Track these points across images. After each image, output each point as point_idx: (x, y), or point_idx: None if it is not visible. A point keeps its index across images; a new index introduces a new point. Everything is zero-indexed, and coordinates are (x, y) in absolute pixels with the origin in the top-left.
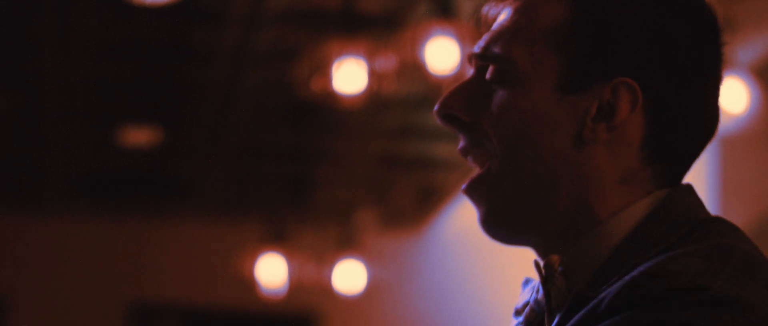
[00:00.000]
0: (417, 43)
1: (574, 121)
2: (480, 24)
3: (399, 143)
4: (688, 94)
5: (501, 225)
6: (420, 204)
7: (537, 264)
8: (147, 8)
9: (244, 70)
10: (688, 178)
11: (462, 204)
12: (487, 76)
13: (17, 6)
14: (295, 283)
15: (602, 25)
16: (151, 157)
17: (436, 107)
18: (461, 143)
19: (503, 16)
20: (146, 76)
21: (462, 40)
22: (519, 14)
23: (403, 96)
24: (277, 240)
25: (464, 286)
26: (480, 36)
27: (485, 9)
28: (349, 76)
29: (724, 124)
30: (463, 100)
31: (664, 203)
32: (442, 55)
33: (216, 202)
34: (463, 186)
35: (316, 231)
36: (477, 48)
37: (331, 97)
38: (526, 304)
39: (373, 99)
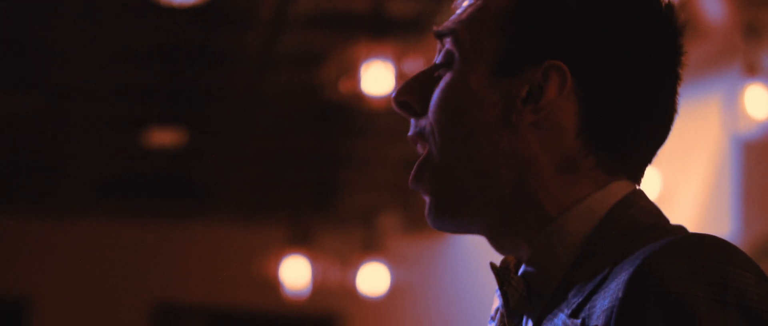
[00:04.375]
0: None
1: (505, 104)
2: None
3: None
4: (626, 85)
5: (445, 215)
6: None
7: (493, 266)
8: (172, 11)
9: (270, 73)
10: (712, 184)
11: None
12: (436, 60)
13: (42, 9)
14: (319, 285)
15: (542, 11)
16: (175, 159)
17: (392, 93)
18: (410, 131)
19: (465, 3)
20: (171, 79)
21: None
22: (475, 0)
23: None
24: (301, 242)
25: (486, 290)
26: None
27: (456, 3)
28: (377, 79)
29: (748, 129)
30: (418, 87)
31: (619, 204)
32: None
33: (240, 204)
34: (410, 179)
35: (340, 234)
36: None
37: (359, 99)
38: (498, 310)
39: None
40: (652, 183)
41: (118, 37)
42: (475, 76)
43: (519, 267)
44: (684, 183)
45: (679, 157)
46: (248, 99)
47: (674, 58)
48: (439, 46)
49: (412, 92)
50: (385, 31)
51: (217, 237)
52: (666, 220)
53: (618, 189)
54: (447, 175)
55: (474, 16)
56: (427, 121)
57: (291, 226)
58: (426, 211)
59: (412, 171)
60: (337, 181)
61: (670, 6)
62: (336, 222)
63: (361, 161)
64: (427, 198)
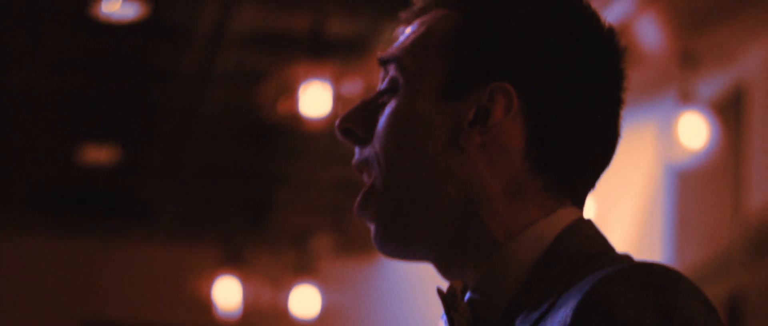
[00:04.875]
0: None
1: (452, 127)
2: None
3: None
4: (572, 108)
5: (391, 241)
6: None
7: (439, 291)
8: (112, 25)
9: (207, 91)
10: (646, 212)
11: None
12: (380, 87)
13: None
14: (251, 307)
15: (487, 33)
16: (109, 175)
17: (336, 122)
18: (355, 159)
19: (408, 30)
20: (108, 94)
21: None
22: (418, 26)
23: None
24: (233, 263)
25: (418, 314)
26: None
27: (398, 31)
28: (315, 100)
29: (682, 158)
30: (362, 115)
31: (567, 231)
32: None
33: (174, 223)
34: (355, 207)
35: (272, 255)
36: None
37: (297, 119)
38: None
39: None
40: (585, 209)
41: (56, 49)
42: (422, 100)
43: (465, 292)
44: (617, 210)
45: (613, 184)
46: (185, 116)
47: (617, 81)
48: (382, 73)
49: (356, 119)
50: (323, 51)
51: (150, 256)
52: (612, 248)
53: (565, 215)
54: (394, 201)
55: (417, 43)
56: (373, 149)
57: (224, 246)
58: (372, 237)
59: (358, 200)
60: (271, 202)
61: (611, 30)
62: (269, 244)
63: (295, 182)
64: (372, 226)
